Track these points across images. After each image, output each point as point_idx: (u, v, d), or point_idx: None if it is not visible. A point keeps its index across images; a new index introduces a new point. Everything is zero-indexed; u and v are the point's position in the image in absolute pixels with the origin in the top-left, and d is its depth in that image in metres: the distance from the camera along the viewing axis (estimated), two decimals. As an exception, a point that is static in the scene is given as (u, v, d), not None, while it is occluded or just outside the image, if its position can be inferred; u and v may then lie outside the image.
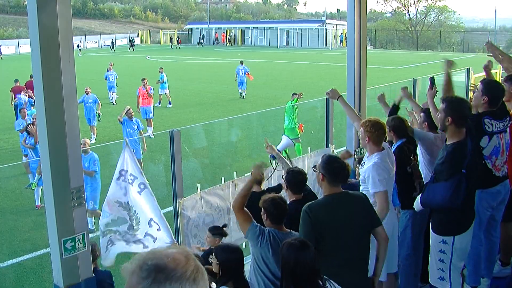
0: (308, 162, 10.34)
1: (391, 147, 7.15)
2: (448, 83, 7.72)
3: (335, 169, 5.45)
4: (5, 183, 15.92)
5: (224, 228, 7.35)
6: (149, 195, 7.64)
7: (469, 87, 12.79)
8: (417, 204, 6.52)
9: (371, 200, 5.80)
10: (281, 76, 45.84)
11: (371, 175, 6.27)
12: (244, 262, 5.81)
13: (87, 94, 22.96)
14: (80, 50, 79.41)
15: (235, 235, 8.69)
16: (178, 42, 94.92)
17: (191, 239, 8.23)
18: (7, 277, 11.01)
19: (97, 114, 23.02)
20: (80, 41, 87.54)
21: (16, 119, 19.58)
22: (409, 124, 7.70)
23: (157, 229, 7.62)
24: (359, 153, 9.17)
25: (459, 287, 6.41)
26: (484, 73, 8.63)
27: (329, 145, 10.74)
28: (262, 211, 5.96)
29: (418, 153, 7.45)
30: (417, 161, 7.44)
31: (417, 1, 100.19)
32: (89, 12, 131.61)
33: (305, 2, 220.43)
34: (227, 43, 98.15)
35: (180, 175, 7.96)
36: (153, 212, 7.64)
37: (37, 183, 13.60)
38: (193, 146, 18.34)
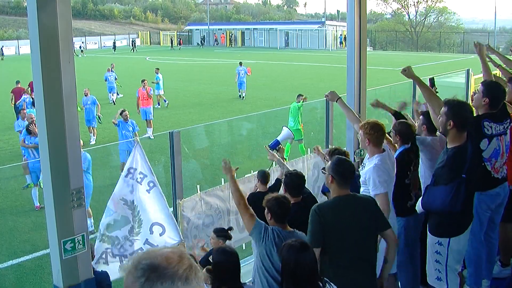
0: (307, 163, 10.34)
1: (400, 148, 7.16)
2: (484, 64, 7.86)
3: (345, 172, 5.48)
4: (5, 184, 15.92)
5: (229, 231, 7.35)
6: (158, 194, 7.64)
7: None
8: (418, 207, 6.53)
9: None
10: (281, 77, 45.86)
11: (371, 177, 6.28)
12: (242, 265, 5.82)
13: (86, 96, 22.98)
14: (82, 51, 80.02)
15: (235, 236, 8.68)
16: (179, 43, 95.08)
17: (191, 240, 8.23)
18: (7, 278, 11.00)
19: (97, 116, 23.05)
20: (82, 42, 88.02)
21: (17, 120, 19.59)
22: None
23: (160, 234, 7.60)
24: (358, 154, 9.17)
25: (457, 288, 6.42)
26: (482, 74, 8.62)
27: (329, 146, 10.73)
28: (266, 211, 6.00)
29: (420, 158, 7.44)
30: (417, 170, 7.43)
31: (417, 2, 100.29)
32: (89, 13, 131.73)
33: (305, 3, 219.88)
34: (228, 44, 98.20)
35: (180, 176, 7.96)
36: (160, 212, 7.63)
37: (35, 183, 13.62)
38: (193, 147, 18.35)
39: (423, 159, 7.38)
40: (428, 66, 47.64)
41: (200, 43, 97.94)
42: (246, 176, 9.51)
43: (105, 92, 33.43)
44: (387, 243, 5.62)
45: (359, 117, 8.24)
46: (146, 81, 24.56)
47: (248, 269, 8.00)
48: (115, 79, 34.07)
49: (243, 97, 34.38)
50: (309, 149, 18.22)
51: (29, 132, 14.60)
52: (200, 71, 53.49)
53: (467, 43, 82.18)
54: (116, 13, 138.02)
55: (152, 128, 23.17)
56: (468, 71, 15.62)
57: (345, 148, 9.02)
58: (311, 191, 7.92)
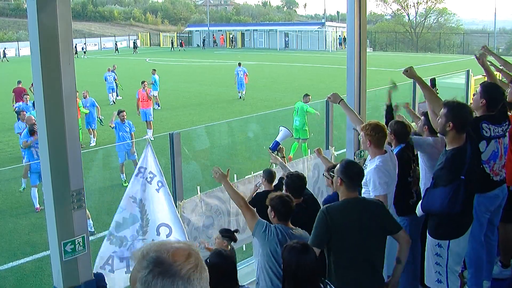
0: (308, 164, 10.33)
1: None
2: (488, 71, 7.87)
3: (354, 175, 5.49)
4: (5, 186, 15.92)
5: (235, 233, 7.34)
6: (166, 194, 7.65)
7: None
8: (418, 210, 6.52)
9: None
10: (281, 78, 45.89)
11: (372, 178, 6.28)
12: (242, 266, 5.84)
13: (85, 98, 22.96)
14: (84, 52, 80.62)
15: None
16: (181, 45, 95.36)
17: (191, 242, 8.21)
18: (7, 280, 10.99)
19: (98, 119, 23.03)
20: (85, 43, 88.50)
21: (17, 121, 19.58)
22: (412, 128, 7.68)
23: (166, 235, 7.60)
24: (358, 155, 9.17)
25: (457, 290, 6.41)
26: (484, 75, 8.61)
27: (329, 147, 10.73)
28: (269, 209, 6.03)
29: (419, 159, 7.43)
30: (417, 167, 7.42)
31: (417, 3, 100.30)
32: (89, 15, 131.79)
33: (305, 5, 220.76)
34: (228, 45, 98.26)
35: (180, 178, 7.95)
36: (168, 212, 7.63)
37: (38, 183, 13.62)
38: (193, 149, 18.35)
39: (424, 160, 7.36)
40: (428, 67, 47.62)
41: (202, 44, 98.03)
42: (246, 177, 9.50)
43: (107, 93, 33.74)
44: (400, 244, 5.61)
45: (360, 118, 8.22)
46: (146, 83, 24.62)
47: (248, 270, 8.01)
48: (114, 79, 34.34)
49: (243, 97, 34.50)
50: (309, 150, 18.33)
51: (32, 133, 14.59)
52: (200, 72, 53.50)
53: (467, 44, 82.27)
54: (116, 14, 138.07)
55: (152, 130, 23.18)
56: (468, 72, 15.62)
57: (345, 150, 9.02)
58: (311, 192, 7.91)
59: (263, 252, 5.90)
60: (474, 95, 7.69)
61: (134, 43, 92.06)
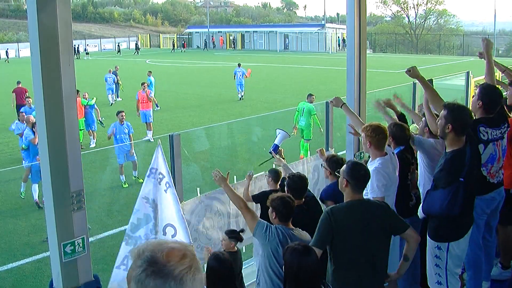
0: (307, 166, 10.32)
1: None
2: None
3: (360, 176, 5.48)
4: (4, 187, 15.91)
5: (240, 233, 7.35)
6: (173, 195, 7.65)
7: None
8: (420, 212, 6.52)
9: None
10: (281, 80, 45.94)
11: (370, 180, 6.27)
12: (237, 271, 5.85)
13: (85, 99, 22.95)
14: (87, 53, 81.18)
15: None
16: (183, 46, 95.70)
17: (187, 243, 8.20)
18: (6, 281, 10.99)
19: (98, 121, 23.03)
20: (88, 44, 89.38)
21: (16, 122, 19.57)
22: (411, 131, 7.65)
23: (172, 235, 7.60)
24: (358, 156, 9.17)
25: (457, 291, 6.41)
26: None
27: (329, 148, 10.72)
28: (270, 210, 6.03)
29: (418, 160, 7.42)
30: (417, 170, 7.42)
31: (417, 5, 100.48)
32: (89, 16, 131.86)
33: (305, 6, 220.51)
34: (228, 46, 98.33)
35: (180, 179, 7.94)
36: (174, 213, 7.63)
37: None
38: (193, 150, 18.34)
39: (423, 161, 7.34)
40: (428, 69, 47.60)
41: (204, 46, 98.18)
42: (244, 188, 9.50)
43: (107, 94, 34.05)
44: (409, 242, 5.61)
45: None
46: (146, 84, 24.62)
47: (247, 271, 8.00)
48: (114, 81, 34.57)
49: (241, 98, 34.80)
50: (309, 151, 18.36)
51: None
52: (200, 73, 53.55)
53: (467, 46, 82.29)
54: (116, 16, 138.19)
55: (152, 131, 23.18)
56: (468, 73, 15.63)
57: (344, 151, 9.02)
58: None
59: (264, 253, 5.90)
60: (473, 96, 7.68)
61: (136, 44, 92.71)
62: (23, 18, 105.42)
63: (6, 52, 78.25)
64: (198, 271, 2.40)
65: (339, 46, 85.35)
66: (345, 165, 5.60)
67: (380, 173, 6.28)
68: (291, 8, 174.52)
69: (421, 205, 6.50)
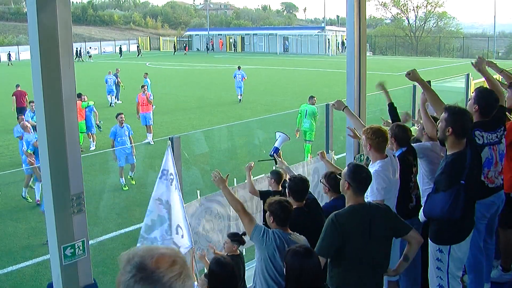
0: (307, 168, 10.32)
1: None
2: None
3: (362, 179, 5.44)
4: (4, 189, 15.90)
5: (243, 236, 7.34)
6: (180, 196, 7.66)
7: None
8: (421, 215, 6.51)
9: None
10: (281, 82, 45.98)
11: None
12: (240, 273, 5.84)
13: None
14: (90, 56, 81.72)
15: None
16: (185, 49, 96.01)
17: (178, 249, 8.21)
18: (6, 284, 10.98)
19: (96, 125, 22.98)
20: (90, 47, 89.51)
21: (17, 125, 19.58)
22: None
23: (181, 236, 7.61)
24: (358, 159, 9.16)
25: (459, 294, 6.39)
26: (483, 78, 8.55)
27: (329, 151, 10.72)
28: (268, 214, 6.00)
29: (418, 163, 7.41)
30: (417, 172, 7.40)
31: (417, 7, 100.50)
32: (89, 19, 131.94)
33: (305, 9, 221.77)
34: (228, 49, 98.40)
35: (180, 182, 7.94)
36: (181, 214, 7.65)
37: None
38: (193, 153, 18.35)
39: (422, 165, 7.35)
40: (428, 71, 47.59)
41: (206, 49, 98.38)
42: (246, 181, 9.49)
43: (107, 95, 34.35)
44: (411, 244, 5.60)
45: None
46: (146, 87, 24.62)
47: (249, 274, 7.98)
48: (114, 82, 34.90)
49: (241, 100, 35.06)
50: (309, 154, 18.38)
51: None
52: (200, 76, 53.61)
53: (467, 48, 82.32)
54: (116, 18, 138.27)
55: (152, 134, 23.18)
56: (467, 75, 15.64)
57: (345, 153, 9.02)
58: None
59: (261, 257, 5.87)
60: (469, 100, 7.67)
61: (138, 47, 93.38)
62: (23, 21, 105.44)
63: (9, 55, 78.89)
64: (188, 278, 2.37)
65: (337, 48, 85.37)
66: (346, 168, 5.57)
67: (380, 176, 6.27)
68: (291, 11, 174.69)
69: (422, 208, 6.48)
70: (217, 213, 8.62)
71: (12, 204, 15.19)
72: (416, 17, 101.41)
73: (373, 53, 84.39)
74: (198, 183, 15.37)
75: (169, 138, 7.82)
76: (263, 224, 6.57)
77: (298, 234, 5.99)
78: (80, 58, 79.48)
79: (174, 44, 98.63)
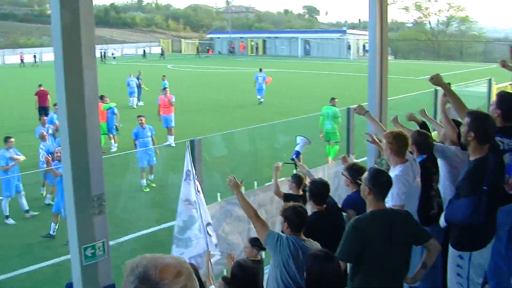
0: (328, 172, 10.31)
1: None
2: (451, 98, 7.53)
3: (383, 184, 5.43)
4: (26, 189, 15.97)
5: None
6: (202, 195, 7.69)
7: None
8: (441, 221, 6.46)
9: None
10: (302, 85, 45.97)
11: None
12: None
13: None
14: (114, 58, 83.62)
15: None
16: (208, 52, 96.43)
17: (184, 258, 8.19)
18: (27, 283, 11.06)
19: (114, 127, 23.06)
20: (115, 49, 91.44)
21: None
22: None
23: (201, 238, 7.63)
24: (379, 163, 9.13)
25: (479, 301, 6.34)
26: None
27: (350, 155, 10.69)
28: (283, 220, 5.96)
29: (439, 168, 7.36)
30: (438, 180, 7.34)
31: (439, 11, 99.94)
32: (111, 21, 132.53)
33: (326, 12, 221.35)
34: (249, 52, 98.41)
35: (201, 184, 7.96)
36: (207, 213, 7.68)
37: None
38: (214, 155, 18.36)
39: (444, 169, 7.28)
40: (450, 75, 47.32)
41: (229, 51, 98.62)
42: (266, 184, 9.50)
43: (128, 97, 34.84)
44: (430, 252, 5.57)
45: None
46: (167, 89, 24.68)
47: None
48: (137, 84, 35.31)
49: (261, 102, 35.33)
50: (330, 157, 18.36)
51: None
52: (222, 78, 53.74)
53: (489, 52, 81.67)
54: (138, 21, 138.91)
55: (173, 136, 23.23)
56: (490, 80, 15.54)
57: (365, 158, 8.99)
58: (331, 200, 7.88)
59: (274, 263, 5.84)
60: (491, 105, 7.58)
61: (161, 49, 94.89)
62: (47, 23, 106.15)
63: (34, 56, 79.67)
64: None
65: (360, 52, 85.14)
66: (367, 172, 5.54)
67: (400, 181, 6.24)
68: (313, 14, 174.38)
69: (443, 213, 6.43)
70: (237, 216, 8.63)
71: (33, 204, 15.27)
72: (438, 21, 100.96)
73: (394, 57, 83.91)
74: (219, 186, 15.37)
75: (190, 140, 7.85)
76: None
77: (312, 240, 5.96)
78: (105, 60, 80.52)
79: (197, 47, 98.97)
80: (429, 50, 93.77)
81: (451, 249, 6.27)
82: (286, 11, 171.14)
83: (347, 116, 10.73)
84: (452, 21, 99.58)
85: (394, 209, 5.66)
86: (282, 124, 23.83)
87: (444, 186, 7.27)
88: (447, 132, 7.32)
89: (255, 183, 9.23)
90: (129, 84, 35.16)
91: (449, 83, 7.42)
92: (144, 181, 17.11)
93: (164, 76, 33.27)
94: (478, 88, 22.26)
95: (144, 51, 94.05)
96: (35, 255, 12.18)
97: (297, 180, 8.46)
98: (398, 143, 6.40)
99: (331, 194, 7.28)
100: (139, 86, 35.77)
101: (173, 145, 22.05)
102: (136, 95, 35.27)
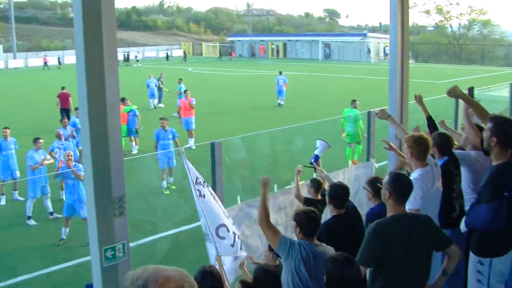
0: (348, 175, 10.29)
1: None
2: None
3: (403, 188, 5.39)
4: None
5: None
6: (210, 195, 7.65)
7: None
8: (462, 226, 6.41)
9: None
10: (323, 89, 45.88)
11: None
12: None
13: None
14: (137, 60, 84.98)
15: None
16: (230, 54, 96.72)
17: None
18: (47, 284, 11.12)
19: (134, 129, 23.09)
20: (138, 52, 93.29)
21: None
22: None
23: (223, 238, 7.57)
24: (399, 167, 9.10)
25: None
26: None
27: (370, 159, 10.67)
28: (295, 224, 5.92)
29: (461, 173, 7.30)
30: (460, 182, 7.29)
31: (460, 15, 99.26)
32: (133, 24, 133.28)
33: (347, 15, 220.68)
34: (270, 55, 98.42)
35: (221, 187, 7.97)
36: (220, 218, 7.63)
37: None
38: (234, 158, 18.38)
39: (465, 174, 7.23)
40: (471, 79, 47.08)
41: (251, 54, 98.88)
42: (286, 187, 9.49)
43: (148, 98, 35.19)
44: (451, 258, 5.51)
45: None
46: (188, 92, 24.73)
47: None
48: (156, 86, 35.61)
49: (281, 104, 35.53)
50: (350, 161, 18.35)
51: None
52: (242, 81, 53.82)
53: (511, 56, 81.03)
54: (159, 24, 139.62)
55: (194, 138, 23.27)
56: (512, 85, 15.42)
57: (386, 161, 8.95)
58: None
59: (286, 268, 5.80)
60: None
61: (184, 52, 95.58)
62: (69, 26, 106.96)
63: (58, 59, 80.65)
64: None
65: (380, 55, 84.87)
66: (387, 176, 5.51)
67: (418, 185, 6.18)
68: (333, 17, 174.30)
69: (463, 218, 6.38)
70: (256, 218, 8.62)
71: (55, 206, 15.34)
72: (459, 25, 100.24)
73: (415, 60, 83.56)
74: (239, 188, 15.39)
75: (210, 143, 7.86)
76: None
77: (331, 244, 5.93)
78: (128, 63, 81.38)
79: (220, 50, 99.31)
80: (450, 54, 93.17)
81: (471, 255, 6.21)
82: (307, 14, 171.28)
83: (368, 119, 10.71)
84: (474, 24, 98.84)
85: (415, 213, 5.62)
86: (302, 127, 23.78)
87: (466, 192, 7.21)
88: (470, 137, 7.27)
89: (275, 186, 9.22)
90: (148, 86, 35.53)
91: (472, 87, 7.40)
92: (164, 183, 17.18)
93: (180, 79, 33.45)
94: (500, 92, 22.12)
95: (167, 53, 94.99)
96: (55, 256, 12.25)
97: (316, 185, 8.45)
98: (418, 146, 6.37)
99: (350, 198, 7.25)
100: (160, 88, 36.08)
101: (194, 147, 22.08)
102: (156, 97, 35.64)
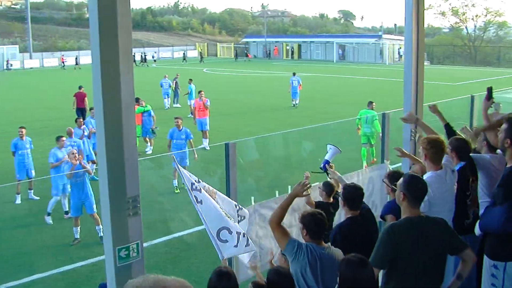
0: (362, 177, 10.26)
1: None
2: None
3: (418, 190, 5.36)
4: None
5: None
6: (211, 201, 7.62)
7: None
8: (476, 229, 6.37)
9: None
10: (337, 90, 45.83)
11: None
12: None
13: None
14: (155, 61, 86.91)
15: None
16: (246, 56, 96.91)
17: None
18: (62, 283, 11.18)
19: (151, 130, 23.11)
20: (155, 52, 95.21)
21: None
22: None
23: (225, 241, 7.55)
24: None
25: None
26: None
27: (385, 160, 10.64)
28: (301, 226, 5.91)
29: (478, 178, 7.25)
30: (476, 188, 7.23)
31: (476, 16, 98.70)
32: (148, 25, 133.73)
33: (362, 17, 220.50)
34: (284, 56, 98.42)
35: (235, 188, 7.96)
36: (222, 221, 7.59)
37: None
38: (248, 159, 18.38)
39: (480, 178, 7.18)
40: (487, 81, 46.81)
41: (267, 55, 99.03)
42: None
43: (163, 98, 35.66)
44: (466, 262, 5.47)
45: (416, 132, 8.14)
46: (202, 92, 24.74)
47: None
48: (169, 86, 36.08)
49: (295, 105, 35.60)
50: (364, 161, 18.34)
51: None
52: (257, 82, 53.85)
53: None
54: (174, 24, 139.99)
55: (208, 139, 23.31)
56: (527, 87, 15.33)
57: (400, 163, 8.92)
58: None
59: (293, 271, 5.80)
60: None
61: (200, 53, 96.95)
62: (85, 27, 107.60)
63: (76, 59, 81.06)
64: None
65: (395, 57, 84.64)
66: (401, 178, 5.48)
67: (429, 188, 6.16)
68: (348, 19, 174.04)
69: (478, 221, 6.34)
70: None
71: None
72: (475, 26, 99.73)
73: (430, 62, 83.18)
74: (252, 189, 15.39)
75: (225, 144, 7.86)
76: None
77: (333, 247, 5.91)
78: (146, 63, 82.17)
79: (236, 51, 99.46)
80: (465, 56, 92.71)
81: (486, 259, 6.17)
82: (321, 16, 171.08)
83: (382, 121, 10.67)
84: (490, 26, 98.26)
85: (430, 216, 5.60)
86: (316, 129, 23.75)
87: (480, 195, 7.17)
88: (490, 137, 7.23)
89: (289, 187, 9.20)
90: (162, 85, 35.88)
91: (491, 87, 7.37)
92: (175, 182, 17.17)
93: (190, 80, 33.51)
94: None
95: (184, 54, 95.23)
96: (70, 255, 12.31)
97: (328, 188, 8.43)
98: (433, 149, 6.34)
99: (365, 200, 7.22)
100: (175, 89, 36.46)
101: (208, 148, 22.11)
102: (168, 96, 36.02)
